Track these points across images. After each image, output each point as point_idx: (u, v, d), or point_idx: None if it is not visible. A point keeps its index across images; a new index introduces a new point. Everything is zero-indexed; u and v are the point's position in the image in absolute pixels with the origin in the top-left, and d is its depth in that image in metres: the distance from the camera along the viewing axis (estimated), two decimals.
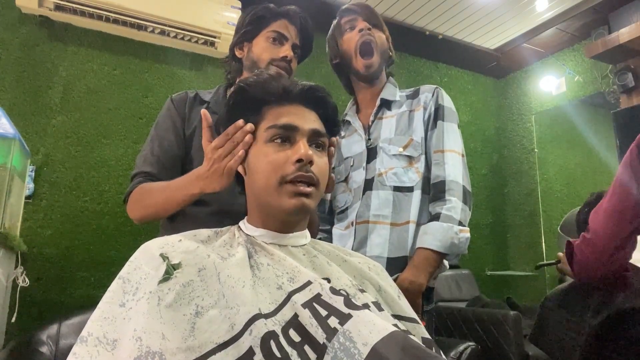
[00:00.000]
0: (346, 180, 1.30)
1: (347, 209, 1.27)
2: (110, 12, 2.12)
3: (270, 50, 1.09)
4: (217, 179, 0.76)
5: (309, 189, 0.68)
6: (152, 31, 2.26)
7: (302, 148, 0.68)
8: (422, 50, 3.21)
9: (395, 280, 1.11)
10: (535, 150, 3.34)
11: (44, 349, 1.20)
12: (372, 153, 1.25)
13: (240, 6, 2.37)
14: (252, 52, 1.11)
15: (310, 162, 0.68)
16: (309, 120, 0.72)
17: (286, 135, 0.70)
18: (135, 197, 1.00)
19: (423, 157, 1.22)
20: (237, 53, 1.15)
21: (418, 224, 1.17)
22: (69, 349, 0.54)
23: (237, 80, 0.78)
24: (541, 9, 2.78)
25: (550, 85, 3.20)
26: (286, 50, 1.10)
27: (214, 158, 0.75)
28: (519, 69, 3.52)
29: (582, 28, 2.93)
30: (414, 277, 1.06)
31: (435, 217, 1.12)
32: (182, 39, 2.32)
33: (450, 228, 1.10)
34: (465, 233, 1.12)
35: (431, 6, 2.73)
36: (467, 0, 2.67)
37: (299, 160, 0.67)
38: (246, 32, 1.12)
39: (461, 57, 3.32)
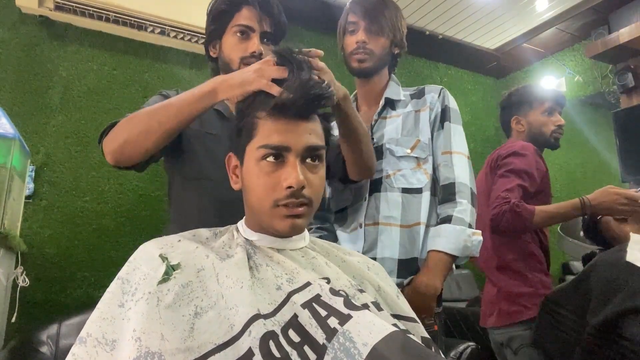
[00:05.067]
0: None
1: (346, 208, 1.26)
2: (110, 12, 2.11)
3: (238, 47, 1.04)
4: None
5: (300, 209, 0.66)
6: (152, 31, 2.25)
7: (293, 173, 0.65)
8: (422, 50, 3.20)
9: (409, 283, 1.10)
10: None
11: (44, 349, 1.20)
12: (375, 153, 1.25)
13: None
14: (223, 52, 1.06)
15: (302, 187, 0.66)
16: (303, 135, 0.68)
17: (278, 154, 0.67)
18: (122, 125, 0.86)
19: (431, 158, 1.21)
20: (211, 52, 1.10)
21: (427, 226, 1.16)
22: (69, 349, 0.54)
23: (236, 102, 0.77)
24: (541, 9, 2.78)
25: (550, 85, 3.19)
26: (254, 45, 1.03)
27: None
28: (519, 69, 3.51)
29: (582, 28, 2.93)
30: (430, 281, 1.06)
31: (447, 220, 1.12)
32: (182, 39, 2.32)
33: (462, 231, 1.10)
34: (478, 236, 1.12)
35: (431, 6, 2.72)
36: (467, 0, 2.67)
37: (290, 187, 0.65)
38: (213, 31, 1.08)
39: (461, 57, 3.32)
